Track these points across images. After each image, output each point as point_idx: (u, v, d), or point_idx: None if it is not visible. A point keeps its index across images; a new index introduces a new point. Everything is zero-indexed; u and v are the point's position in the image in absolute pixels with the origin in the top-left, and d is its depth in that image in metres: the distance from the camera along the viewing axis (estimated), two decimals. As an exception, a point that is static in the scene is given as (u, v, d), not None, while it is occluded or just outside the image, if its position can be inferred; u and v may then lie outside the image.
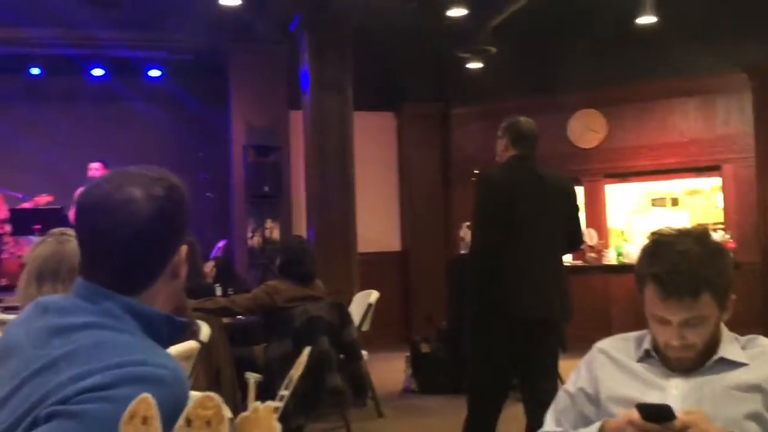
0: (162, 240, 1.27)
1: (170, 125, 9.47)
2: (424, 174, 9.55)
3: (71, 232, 2.64)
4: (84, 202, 1.28)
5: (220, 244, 8.24)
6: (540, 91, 8.78)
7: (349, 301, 5.85)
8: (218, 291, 5.53)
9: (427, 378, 6.34)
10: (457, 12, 7.24)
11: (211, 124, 9.43)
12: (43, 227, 7.17)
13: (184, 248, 1.31)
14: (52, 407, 1.11)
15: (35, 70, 9.12)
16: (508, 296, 3.49)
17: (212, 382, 3.98)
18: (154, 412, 0.81)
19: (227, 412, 0.80)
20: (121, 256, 1.24)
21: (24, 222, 7.80)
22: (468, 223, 6.79)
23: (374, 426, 5.36)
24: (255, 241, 8.91)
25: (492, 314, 3.53)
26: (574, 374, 1.88)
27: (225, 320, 4.70)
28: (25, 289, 2.41)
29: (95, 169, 7.98)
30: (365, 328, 5.74)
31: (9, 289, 7.74)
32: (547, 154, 7.94)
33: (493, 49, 8.09)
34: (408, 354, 6.55)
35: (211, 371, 4.06)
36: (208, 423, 0.78)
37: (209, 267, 6.08)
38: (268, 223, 9.16)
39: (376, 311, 5.84)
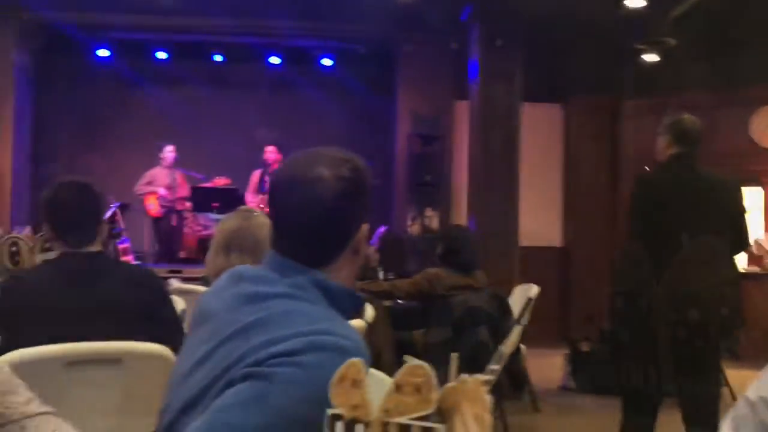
0: (346, 217, 1.31)
1: (339, 112, 9.70)
2: (591, 168, 9.27)
3: (255, 210, 2.77)
4: (277, 179, 1.35)
5: (380, 230, 8.40)
6: (720, 84, 8.27)
7: (509, 294, 5.77)
8: (380, 275, 5.63)
9: (587, 377, 6.19)
10: (635, 2, 6.97)
11: (378, 112, 9.61)
12: (221, 205, 7.88)
13: (365, 227, 1.35)
14: (245, 369, 1.18)
15: (218, 57, 9.58)
16: (657, 297, 3.42)
17: (372, 364, 4.07)
18: (364, 376, 0.83)
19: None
20: (308, 231, 1.30)
21: (203, 200, 8.30)
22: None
23: (530, 420, 5.30)
24: (414, 228, 9.02)
25: (639, 314, 3.47)
26: (756, 382, 1.77)
27: (385, 303, 4.76)
28: (213, 259, 2.59)
29: (270, 151, 8.42)
30: (524, 322, 5.65)
31: (188, 261, 8.29)
32: (725, 151, 7.53)
33: (673, 41, 7.71)
34: (567, 352, 6.41)
35: (372, 353, 4.17)
36: (418, 389, 0.80)
37: (372, 251, 6.21)
38: (428, 212, 9.23)
39: (534, 306, 5.75)
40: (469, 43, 8.07)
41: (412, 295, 4.89)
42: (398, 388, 0.81)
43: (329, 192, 1.28)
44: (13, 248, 4.00)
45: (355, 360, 0.85)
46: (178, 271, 7.02)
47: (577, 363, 6.33)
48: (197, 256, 8.20)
